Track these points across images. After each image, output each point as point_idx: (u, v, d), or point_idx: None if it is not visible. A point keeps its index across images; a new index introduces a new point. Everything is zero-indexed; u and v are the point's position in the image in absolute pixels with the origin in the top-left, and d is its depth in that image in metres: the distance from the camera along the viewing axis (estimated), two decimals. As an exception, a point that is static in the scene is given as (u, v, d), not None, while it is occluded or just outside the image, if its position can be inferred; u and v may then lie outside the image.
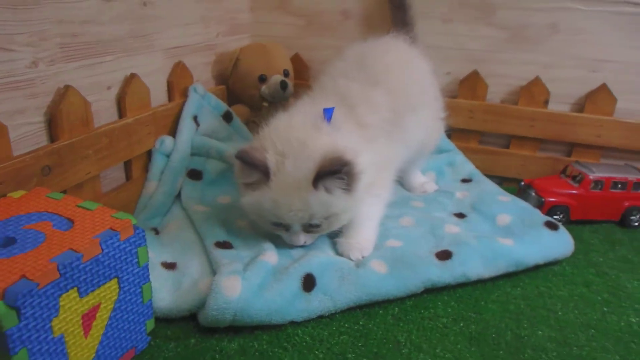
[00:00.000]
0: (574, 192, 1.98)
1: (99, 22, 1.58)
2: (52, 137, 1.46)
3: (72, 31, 1.48)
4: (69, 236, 1.04)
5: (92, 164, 1.57)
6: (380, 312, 1.41)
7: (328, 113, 1.51)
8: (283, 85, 2.26)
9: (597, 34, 2.16)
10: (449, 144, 2.37)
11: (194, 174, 1.92)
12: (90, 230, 1.07)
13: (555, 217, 1.93)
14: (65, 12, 1.45)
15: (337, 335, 1.31)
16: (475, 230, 1.75)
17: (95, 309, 1.05)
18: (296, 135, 1.45)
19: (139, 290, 1.17)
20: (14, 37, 1.32)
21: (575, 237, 1.75)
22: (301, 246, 1.56)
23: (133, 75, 1.74)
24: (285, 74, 2.33)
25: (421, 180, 2.13)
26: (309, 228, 1.51)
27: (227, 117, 2.15)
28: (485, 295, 1.51)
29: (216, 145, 1.97)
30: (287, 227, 1.51)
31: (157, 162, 1.86)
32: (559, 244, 1.70)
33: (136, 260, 1.13)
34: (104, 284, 1.06)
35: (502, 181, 2.35)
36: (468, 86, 2.34)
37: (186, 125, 1.95)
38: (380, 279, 1.44)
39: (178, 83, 1.99)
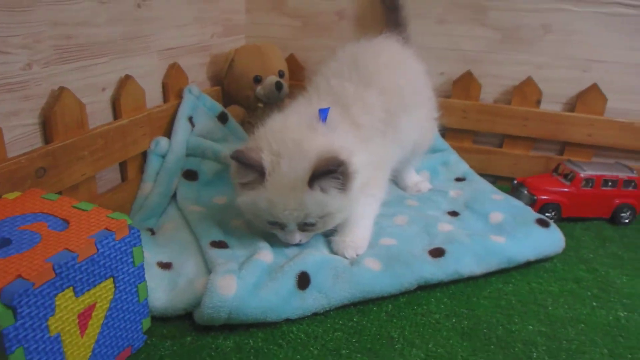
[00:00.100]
0: (566, 190, 1.99)
1: (93, 24, 1.59)
2: (47, 139, 1.46)
3: (66, 33, 1.49)
4: (65, 236, 1.05)
5: (88, 165, 1.57)
6: (374, 309, 1.43)
7: (323, 113, 1.52)
8: (278, 86, 2.27)
9: (588, 35, 2.19)
10: (443, 144, 2.38)
11: (190, 175, 1.92)
12: (86, 230, 1.08)
13: (547, 214, 1.95)
14: (60, 14, 1.46)
15: (332, 332, 1.33)
16: (468, 228, 1.76)
17: (91, 308, 1.06)
18: (291, 136, 1.46)
19: (135, 289, 1.18)
20: (8, 40, 1.32)
21: (566, 234, 1.77)
22: (296, 245, 1.57)
23: (128, 77, 1.74)
24: (281, 74, 2.34)
25: (415, 179, 2.14)
26: (304, 227, 1.52)
27: (223, 118, 2.16)
28: (477, 291, 1.53)
29: (211, 146, 1.98)
30: (282, 226, 1.52)
31: (153, 163, 1.87)
32: (550, 241, 1.71)
33: (131, 259, 1.14)
34: (100, 283, 1.07)
35: (495, 180, 2.37)
36: (462, 86, 2.36)
37: (181, 126, 1.96)
38: (374, 276, 1.46)
39: (173, 84, 2.00)
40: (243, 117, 2.35)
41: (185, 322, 1.33)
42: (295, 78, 2.48)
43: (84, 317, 1.05)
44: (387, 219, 1.80)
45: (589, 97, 2.23)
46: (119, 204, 1.75)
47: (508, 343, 1.32)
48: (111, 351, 1.14)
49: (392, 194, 2.01)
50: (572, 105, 2.29)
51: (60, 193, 1.47)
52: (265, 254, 1.48)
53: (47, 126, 1.45)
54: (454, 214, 1.89)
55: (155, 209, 1.77)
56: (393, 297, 1.47)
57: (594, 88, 2.21)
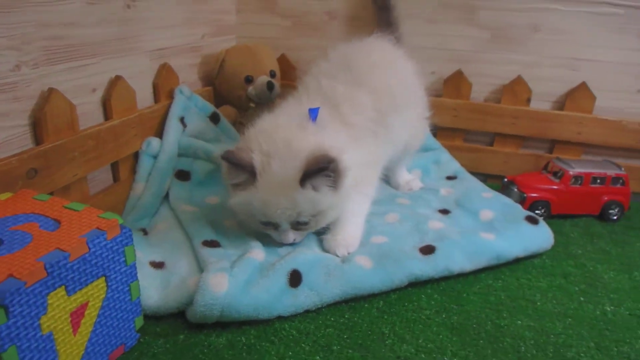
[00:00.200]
0: (555, 187, 2.01)
1: (82, 25, 1.59)
2: (38, 140, 1.46)
3: (55, 34, 1.49)
4: (56, 236, 1.06)
5: (79, 166, 1.58)
6: (366, 305, 1.44)
7: (313, 113, 1.53)
8: (269, 86, 2.27)
9: (577, 34, 2.20)
10: (435, 143, 2.40)
11: (182, 175, 1.93)
12: (77, 230, 1.09)
13: (536, 212, 1.97)
14: (48, 15, 1.46)
15: (323, 329, 1.34)
16: (458, 225, 1.78)
17: (84, 307, 1.07)
18: (281, 135, 1.47)
19: (127, 288, 1.18)
20: (-4, 41, 1.33)
21: (556, 231, 1.79)
22: (290, 244, 1.58)
23: (118, 78, 1.74)
24: (272, 74, 2.34)
25: (407, 178, 2.16)
26: (297, 226, 1.53)
27: (214, 118, 2.16)
28: (467, 287, 1.55)
29: (203, 146, 1.98)
30: (275, 226, 1.53)
31: (144, 163, 1.87)
32: (539, 237, 1.73)
33: (123, 259, 1.15)
34: (92, 282, 1.08)
35: (486, 178, 2.39)
36: (452, 85, 2.37)
37: (172, 127, 1.96)
38: (365, 273, 1.47)
39: (164, 85, 2.00)
40: (235, 117, 2.35)
41: (178, 320, 1.34)
42: (287, 78, 2.49)
43: (76, 316, 1.06)
44: (379, 217, 1.81)
45: (578, 96, 2.24)
46: (111, 204, 1.75)
47: (497, 338, 1.33)
48: (104, 349, 1.15)
49: (383, 192, 2.02)
50: (561, 103, 2.31)
51: (51, 194, 1.47)
52: (257, 253, 1.49)
53: (37, 127, 1.45)
54: (444, 211, 1.90)
55: (147, 210, 1.77)
56: (384, 294, 1.48)
57: (583, 87, 2.22)
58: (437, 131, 2.42)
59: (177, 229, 1.69)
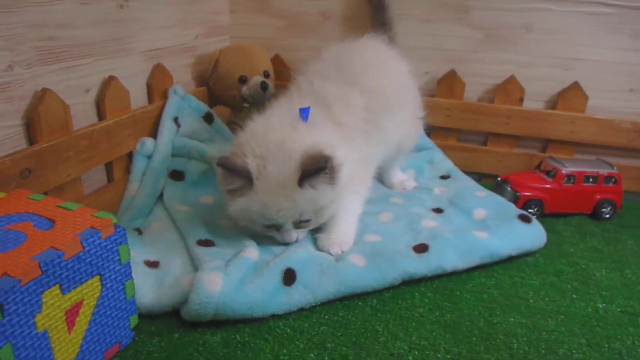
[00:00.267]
0: (548, 186, 2.03)
1: (75, 26, 1.59)
2: (31, 140, 1.47)
3: (48, 35, 1.50)
4: (50, 235, 1.06)
5: (73, 166, 1.58)
6: (359, 303, 1.45)
7: (304, 112, 1.54)
8: (263, 86, 2.28)
9: (569, 34, 2.22)
10: (428, 142, 2.41)
11: (176, 175, 1.94)
12: (71, 229, 1.09)
13: (530, 210, 1.98)
14: (41, 16, 1.46)
15: (317, 327, 1.35)
16: (452, 224, 1.79)
17: (78, 305, 1.08)
18: (274, 137, 1.48)
19: (122, 287, 1.19)
20: (-11, 41, 1.34)
21: (548, 230, 1.81)
22: (292, 243, 1.59)
23: (112, 78, 1.75)
24: (266, 75, 2.35)
25: (401, 177, 2.16)
26: (299, 224, 1.55)
27: (208, 119, 2.17)
28: (460, 285, 1.55)
29: (197, 146, 1.99)
30: (278, 227, 1.54)
31: (138, 163, 1.88)
32: (531, 235, 1.74)
33: (117, 257, 1.15)
34: (86, 281, 1.08)
35: (480, 177, 2.40)
36: (446, 85, 2.38)
37: (166, 127, 1.97)
38: (359, 272, 1.47)
39: (158, 85, 2.01)
40: (229, 118, 2.36)
41: (172, 319, 1.35)
42: (281, 78, 2.49)
43: (71, 314, 1.06)
44: (372, 216, 1.82)
45: (571, 95, 2.26)
46: (105, 204, 1.75)
47: (489, 335, 1.34)
48: (99, 347, 1.16)
49: (377, 192, 2.03)
50: (554, 103, 2.32)
51: (46, 194, 1.47)
52: (252, 252, 1.50)
53: (31, 127, 1.46)
54: (438, 210, 1.91)
55: (142, 209, 1.78)
56: (378, 292, 1.49)
57: (575, 86, 2.24)
58: (431, 131, 2.43)
59: (171, 228, 1.69)
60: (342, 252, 1.58)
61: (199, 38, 2.33)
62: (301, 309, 1.40)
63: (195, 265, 1.46)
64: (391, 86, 1.82)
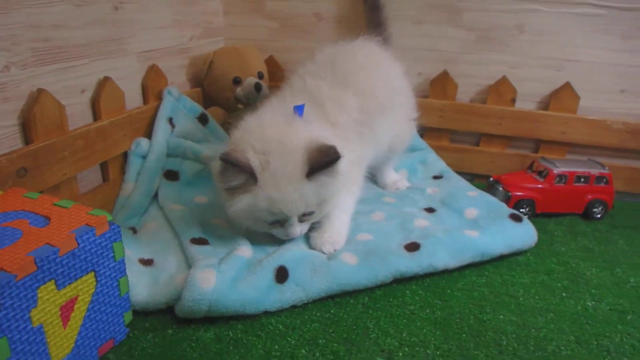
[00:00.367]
0: (539, 186, 2.04)
1: (70, 27, 1.61)
2: (27, 140, 1.48)
3: (43, 36, 1.51)
4: (46, 232, 1.08)
5: (69, 166, 1.59)
6: (351, 301, 1.46)
7: (299, 109, 1.55)
8: (257, 87, 2.29)
9: (560, 35, 2.23)
10: (422, 143, 2.42)
11: (171, 175, 1.95)
12: (67, 226, 1.10)
13: (521, 210, 1.99)
14: (37, 17, 1.48)
15: (309, 323, 1.36)
16: (443, 223, 1.80)
17: (73, 301, 1.09)
18: (272, 133, 1.49)
19: (116, 283, 1.20)
20: (-15, 42, 1.35)
21: (540, 229, 1.82)
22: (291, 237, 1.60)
23: (107, 79, 1.76)
24: (260, 76, 2.37)
25: (394, 178, 2.18)
26: (302, 217, 1.55)
27: (203, 119, 2.18)
28: (451, 283, 1.57)
29: (192, 147, 2.00)
30: (282, 223, 1.55)
31: (133, 163, 1.89)
32: (522, 235, 1.75)
33: (112, 254, 1.17)
34: (81, 277, 1.10)
35: (473, 178, 2.41)
36: (439, 86, 2.39)
37: (161, 127, 1.98)
38: (351, 270, 1.49)
39: (152, 86, 2.02)
40: (223, 118, 2.37)
41: (166, 315, 1.36)
42: (275, 79, 2.50)
43: (66, 310, 1.08)
44: (365, 215, 1.84)
45: (563, 96, 2.27)
46: (101, 204, 1.76)
47: (479, 332, 1.36)
48: (94, 343, 1.17)
49: (369, 191, 2.05)
50: (546, 103, 2.33)
51: (42, 193, 1.46)
52: (245, 250, 1.51)
53: (26, 127, 1.47)
54: (430, 210, 1.92)
55: (137, 209, 1.79)
56: (369, 290, 1.51)
57: (567, 87, 2.25)
58: (424, 132, 2.44)
59: (166, 227, 1.70)
60: (335, 250, 1.59)
61: (194, 39, 2.34)
62: (293, 306, 1.42)
63: (189, 263, 1.47)
64: (384, 88, 1.83)
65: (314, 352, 1.26)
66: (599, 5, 2.15)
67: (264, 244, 1.61)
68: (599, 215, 2.08)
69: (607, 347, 1.34)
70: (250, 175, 1.44)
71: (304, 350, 1.26)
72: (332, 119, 1.67)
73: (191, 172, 2.00)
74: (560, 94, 2.27)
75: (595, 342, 1.35)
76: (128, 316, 1.27)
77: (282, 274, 1.43)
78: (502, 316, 1.43)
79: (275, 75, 2.52)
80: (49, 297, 1.03)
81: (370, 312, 1.42)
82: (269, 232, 1.59)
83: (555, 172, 2.03)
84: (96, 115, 1.76)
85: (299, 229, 1.57)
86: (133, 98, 1.95)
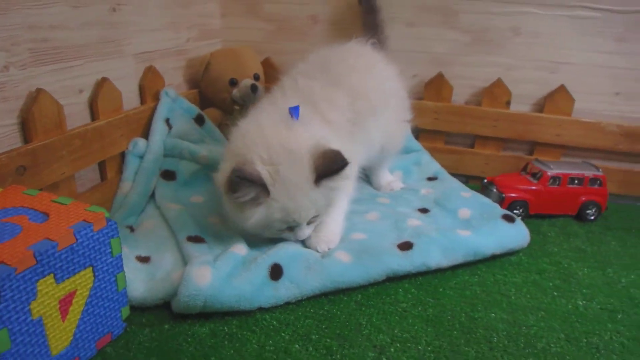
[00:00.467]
0: (533, 187, 2.05)
1: (68, 28, 1.62)
2: (26, 139, 1.50)
3: (42, 36, 1.53)
4: (45, 227, 1.10)
5: (67, 165, 1.61)
6: (344, 298, 1.48)
7: (295, 111, 1.56)
8: (253, 88, 2.30)
9: (555, 37, 2.25)
10: (416, 144, 2.43)
11: (168, 175, 1.97)
12: (65, 222, 1.13)
13: (515, 211, 2.01)
14: (35, 18, 1.49)
15: (303, 319, 1.38)
16: (437, 223, 1.82)
17: (72, 295, 1.11)
18: (275, 139, 1.50)
19: (114, 279, 1.23)
20: (-16, 43, 1.37)
21: (533, 230, 1.84)
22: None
23: (104, 79, 1.78)
24: (256, 77, 2.38)
25: (388, 179, 2.19)
26: (311, 219, 1.57)
27: (199, 120, 2.20)
28: (444, 282, 1.59)
29: (188, 147, 2.02)
30: (292, 228, 1.57)
31: (131, 163, 1.91)
32: (515, 235, 1.77)
33: (109, 250, 1.19)
34: (79, 271, 1.12)
35: (467, 179, 2.42)
36: (433, 88, 2.41)
37: (158, 128, 2.00)
38: (344, 268, 1.51)
39: (150, 87, 2.04)
40: (220, 120, 2.38)
41: (163, 311, 1.38)
42: (271, 81, 2.47)
43: (64, 303, 1.10)
44: (359, 215, 1.86)
45: (557, 98, 2.29)
46: (99, 202, 1.77)
47: (470, 329, 1.38)
48: (92, 336, 1.19)
49: (364, 192, 2.08)
50: (540, 106, 2.35)
51: (40, 191, 1.49)
52: (240, 248, 1.53)
53: (25, 126, 1.49)
54: (424, 210, 1.94)
55: (134, 208, 1.80)
56: (362, 288, 1.53)
57: (562, 89, 2.27)
58: (419, 133, 2.46)
59: (162, 226, 1.72)
60: (329, 249, 1.61)
61: (191, 41, 2.36)
62: (287, 303, 1.44)
63: (185, 261, 1.49)
64: (376, 90, 1.85)
65: (307, 347, 1.28)
66: (594, 8, 2.16)
67: (259, 242, 1.62)
68: (592, 217, 2.09)
69: (596, 344, 1.36)
70: (262, 188, 1.44)
71: (297, 345, 1.29)
72: (328, 117, 1.68)
73: (188, 172, 2.01)
74: (554, 97, 2.29)
75: (585, 340, 1.37)
76: (125, 311, 1.29)
77: (276, 271, 1.45)
78: (493, 314, 1.45)
79: (271, 76, 2.51)
80: (48, 290, 1.05)
81: (363, 309, 1.44)
82: (277, 236, 1.60)
83: (549, 173, 2.04)
84: (94, 115, 1.77)
85: (307, 231, 1.59)
86: (130, 99, 1.97)
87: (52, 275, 1.05)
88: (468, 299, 1.51)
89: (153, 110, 2.04)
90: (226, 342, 1.28)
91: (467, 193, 2.05)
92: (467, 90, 2.42)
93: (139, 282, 1.41)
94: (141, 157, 1.94)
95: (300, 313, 1.41)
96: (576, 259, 1.78)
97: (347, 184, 1.69)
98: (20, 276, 0.98)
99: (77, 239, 1.10)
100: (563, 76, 2.28)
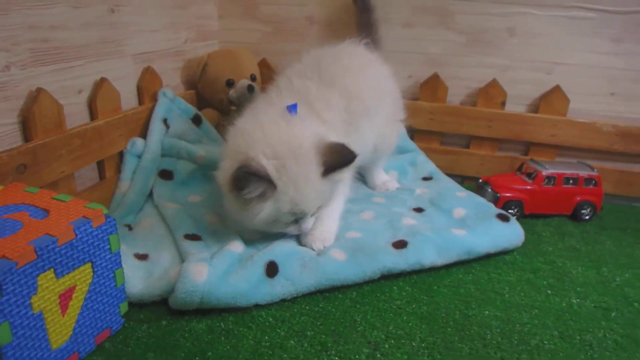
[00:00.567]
0: (528, 187, 2.07)
1: (68, 28, 1.64)
2: (27, 138, 1.51)
3: (42, 36, 1.54)
4: (45, 224, 1.11)
5: (66, 164, 1.63)
6: (339, 296, 1.50)
7: (292, 108, 1.58)
8: (250, 89, 2.32)
9: (550, 38, 2.27)
10: (411, 145, 2.45)
11: (165, 174, 1.98)
12: (65, 218, 1.14)
13: (509, 211, 2.02)
14: (35, 19, 1.51)
15: (298, 316, 1.40)
16: (431, 222, 1.84)
17: (71, 290, 1.13)
18: (276, 135, 1.51)
19: (112, 274, 1.24)
20: (-14, 43, 1.39)
21: (528, 230, 1.86)
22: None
23: (103, 80, 1.79)
24: (253, 78, 2.39)
25: (384, 178, 2.21)
26: (314, 211, 1.60)
27: (197, 121, 2.22)
28: (438, 280, 1.60)
29: (186, 147, 2.03)
30: (298, 220, 1.58)
31: (129, 162, 1.93)
32: (509, 234, 1.79)
33: (108, 246, 1.21)
34: (79, 267, 1.14)
35: (463, 180, 2.44)
36: (429, 89, 2.42)
37: (156, 128, 2.02)
38: (339, 265, 1.53)
39: (148, 87, 2.05)
40: (217, 120, 2.40)
41: (161, 307, 1.40)
42: (267, 82, 2.49)
43: (64, 298, 1.11)
44: (354, 214, 1.87)
45: (552, 99, 2.30)
46: (97, 201, 1.69)
47: (464, 326, 1.40)
48: (91, 331, 1.21)
49: (359, 192, 2.10)
50: (535, 106, 2.37)
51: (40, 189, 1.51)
52: (236, 245, 1.55)
53: (26, 125, 1.50)
54: (419, 210, 1.96)
55: (132, 207, 1.82)
56: (357, 285, 1.54)
57: (557, 90, 2.29)
58: (414, 134, 2.47)
59: (160, 224, 1.74)
60: (324, 247, 1.62)
61: (188, 42, 2.38)
62: (283, 300, 1.46)
63: (182, 258, 1.50)
64: (369, 90, 1.85)
65: (303, 343, 1.30)
66: (589, 9, 2.18)
67: (255, 241, 1.64)
68: (587, 217, 2.11)
69: (589, 342, 1.37)
70: (269, 183, 1.45)
71: (292, 341, 1.30)
72: (323, 117, 1.69)
73: (185, 172, 2.03)
74: (550, 97, 2.30)
75: (579, 337, 1.39)
76: (124, 307, 1.31)
77: (272, 269, 1.46)
78: (487, 312, 1.46)
79: (268, 77, 2.51)
80: (48, 285, 1.07)
81: (358, 306, 1.46)
82: (282, 231, 1.60)
83: (543, 173, 2.06)
84: (93, 115, 1.79)
85: (311, 222, 1.61)
86: (129, 99, 1.99)
87: (52, 270, 1.07)
88: (462, 297, 1.53)
89: (151, 110, 2.06)
90: (223, 338, 1.30)
91: (462, 193, 2.07)
92: (462, 91, 2.44)
93: (137, 279, 1.43)
94: (139, 156, 1.95)
95: (295, 310, 1.43)
96: (571, 258, 1.79)
97: (343, 183, 1.71)
98: (21, 270, 1.00)
99: (76, 235, 1.11)
100: (559, 77, 2.30)
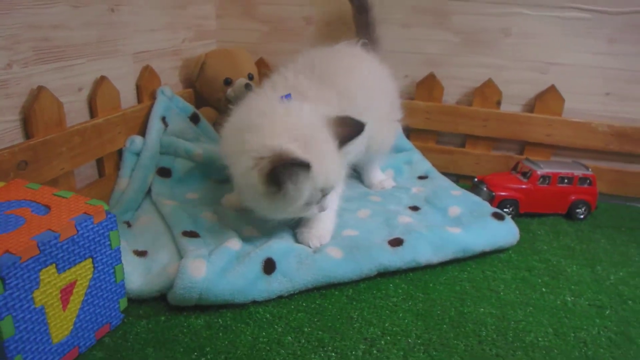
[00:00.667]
0: (523, 186, 2.08)
1: (68, 27, 1.65)
2: (28, 135, 1.53)
3: (43, 35, 1.55)
4: (47, 219, 1.13)
5: (66, 161, 1.64)
6: (336, 293, 1.51)
7: (286, 97, 1.58)
8: (248, 87, 2.32)
9: (546, 38, 2.28)
10: (408, 144, 2.46)
11: (164, 172, 2.00)
12: (66, 214, 1.16)
13: (505, 210, 2.04)
14: (36, 18, 1.52)
15: (295, 313, 1.41)
16: (427, 220, 1.86)
17: (72, 285, 1.15)
18: (285, 120, 1.49)
19: (112, 270, 1.26)
20: (-12, 41, 1.40)
21: (523, 229, 1.88)
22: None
23: (103, 78, 1.81)
24: (250, 77, 2.41)
25: (380, 177, 2.22)
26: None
27: (195, 119, 2.23)
28: (434, 278, 1.62)
29: (184, 145, 2.04)
30: (323, 197, 1.56)
31: (128, 160, 1.94)
32: (504, 232, 1.80)
33: (108, 242, 1.22)
34: (80, 262, 1.15)
35: (458, 178, 2.46)
36: (425, 88, 2.44)
37: (154, 126, 2.03)
38: (336, 263, 1.54)
39: (146, 86, 2.07)
40: (215, 119, 2.41)
41: (160, 303, 1.41)
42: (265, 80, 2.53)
43: (65, 293, 1.13)
44: (351, 213, 1.89)
45: (548, 98, 2.32)
46: (97, 198, 1.75)
47: (459, 323, 1.41)
48: (91, 326, 1.22)
49: (356, 190, 2.12)
50: (531, 106, 2.38)
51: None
52: (234, 243, 1.56)
53: (27, 123, 1.51)
54: (414, 208, 1.97)
55: (131, 204, 1.83)
56: (354, 283, 1.56)
57: (552, 89, 2.30)
58: (410, 133, 2.49)
59: (158, 221, 1.75)
60: (321, 245, 1.63)
61: (187, 42, 2.39)
62: (280, 297, 1.47)
63: (180, 255, 1.52)
64: (364, 90, 1.86)
65: (300, 339, 1.31)
66: (585, 9, 2.19)
67: (252, 238, 1.65)
68: (582, 216, 2.12)
69: (584, 339, 1.39)
70: (303, 166, 1.40)
71: (289, 338, 1.32)
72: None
73: (183, 170, 2.04)
74: (545, 97, 2.32)
75: (573, 334, 1.40)
76: (123, 302, 1.32)
77: (269, 266, 1.48)
78: (482, 309, 1.48)
79: (265, 76, 2.52)
80: (50, 279, 1.08)
81: (355, 303, 1.47)
82: (306, 214, 1.58)
83: (538, 172, 2.07)
84: (92, 113, 1.80)
85: (329, 199, 1.61)
86: (128, 97, 2.00)
87: (54, 265, 1.08)
88: (457, 294, 1.54)
89: (150, 108, 2.07)
90: (221, 334, 1.31)
91: (457, 191, 2.08)
92: (458, 91, 2.45)
93: (136, 275, 1.44)
94: (138, 154, 1.96)
95: (292, 306, 1.44)
96: (565, 256, 1.81)
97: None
98: (24, 265, 1.01)
99: (77, 231, 1.13)
100: (554, 76, 2.31)
